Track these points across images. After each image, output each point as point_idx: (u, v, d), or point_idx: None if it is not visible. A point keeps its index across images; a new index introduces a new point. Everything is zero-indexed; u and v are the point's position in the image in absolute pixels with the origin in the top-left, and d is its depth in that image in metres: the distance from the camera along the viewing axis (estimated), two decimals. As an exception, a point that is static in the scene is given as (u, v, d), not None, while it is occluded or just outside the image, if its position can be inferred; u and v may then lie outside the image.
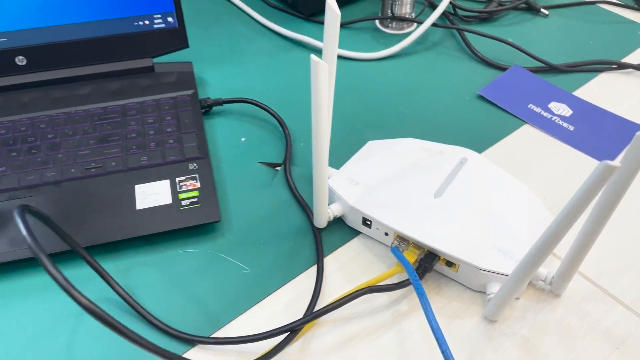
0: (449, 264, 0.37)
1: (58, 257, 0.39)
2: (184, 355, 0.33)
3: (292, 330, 0.34)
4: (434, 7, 0.64)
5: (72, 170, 0.44)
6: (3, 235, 0.39)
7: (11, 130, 0.47)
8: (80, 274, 0.39)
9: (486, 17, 0.64)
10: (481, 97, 0.54)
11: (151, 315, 0.36)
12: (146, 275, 0.39)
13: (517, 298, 0.38)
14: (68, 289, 0.27)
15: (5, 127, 0.47)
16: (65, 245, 0.39)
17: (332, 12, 0.35)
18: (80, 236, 0.39)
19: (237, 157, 0.47)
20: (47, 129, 0.47)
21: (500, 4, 0.65)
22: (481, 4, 0.66)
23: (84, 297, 0.27)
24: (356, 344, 0.35)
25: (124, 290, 0.36)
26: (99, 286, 0.38)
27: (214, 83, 0.55)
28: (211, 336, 0.35)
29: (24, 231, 0.28)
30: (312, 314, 0.35)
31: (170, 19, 0.52)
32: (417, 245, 0.38)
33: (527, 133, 0.50)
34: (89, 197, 0.42)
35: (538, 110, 0.52)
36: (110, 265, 0.39)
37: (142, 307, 0.36)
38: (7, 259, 0.38)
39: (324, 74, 0.32)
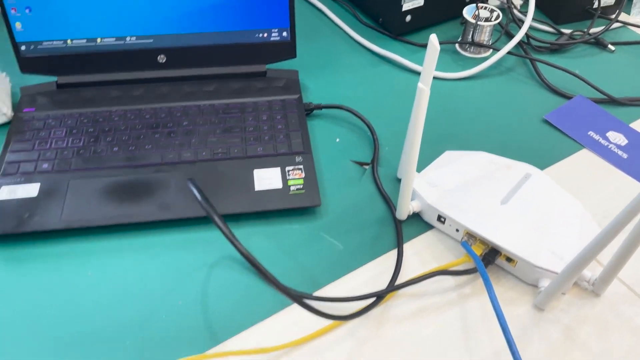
0: (509, 259, 0.45)
1: (191, 221, 0.50)
2: (289, 308, 0.43)
3: (378, 296, 0.43)
4: (509, 36, 0.72)
5: (203, 153, 0.54)
6: (153, 201, 0.50)
7: (154, 116, 0.58)
8: (211, 236, 0.49)
9: (557, 49, 0.70)
10: (546, 122, 0.61)
11: (268, 272, 0.46)
12: (261, 243, 0.48)
13: (563, 293, 0.45)
14: (233, 240, 0.37)
15: (149, 113, 0.58)
16: (200, 212, 0.49)
17: (433, 46, 0.43)
18: (217, 206, 0.49)
19: (332, 155, 0.57)
20: (182, 117, 0.58)
21: (571, 38, 0.71)
22: (553, 36, 0.73)
23: (242, 247, 0.37)
24: (426, 315, 0.44)
25: (248, 252, 0.46)
26: (227, 247, 0.48)
27: (314, 89, 0.64)
28: (313, 294, 0.44)
29: (199, 196, 0.39)
30: (394, 287, 0.44)
31: (284, 34, 0.61)
32: (483, 242, 0.46)
33: (584, 157, 0.57)
34: (217, 176, 0.52)
35: (597, 137, 0.59)
36: (233, 232, 0.49)
37: (261, 266, 0.46)
38: (156, 217, 0.48)
39: (425, 98, 0.40)
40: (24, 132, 0.55)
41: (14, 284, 0.45)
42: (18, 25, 0.57)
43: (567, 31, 0.73)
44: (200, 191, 0.39)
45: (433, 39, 0.43)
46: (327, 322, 0.43)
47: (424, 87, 0.40)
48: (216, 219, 0.38)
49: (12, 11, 0.56)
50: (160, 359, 0.40)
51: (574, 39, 0.71)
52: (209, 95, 0.60)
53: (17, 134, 0.55)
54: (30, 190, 0.50)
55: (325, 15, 0.76)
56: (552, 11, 0.76)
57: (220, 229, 0.38)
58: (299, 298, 0.39)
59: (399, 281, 0.46)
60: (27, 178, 0.51)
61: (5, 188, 0.50)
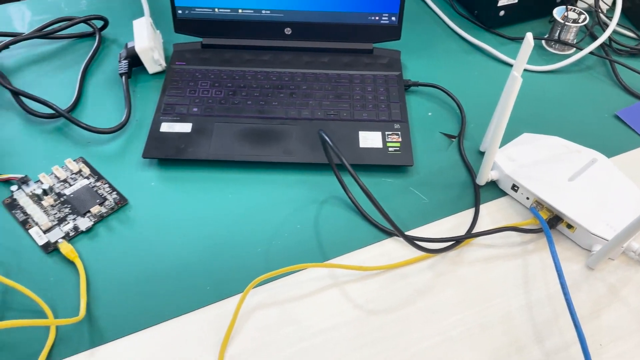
0: (569, 226, 0.55)
1: (308, 165, 0.61)
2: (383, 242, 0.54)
3: (457, 240, 0.54)
4: (593, 37, 0.78)
5: (319, 113, 0.65)
6: (278, 146, 0.62)
7: (279, 79, 0.69)
8: (322, 179, 0.60)
9: (636, 53, 0.77)
10: (617, 117, 0.68)
11: (367, 212, 0.57)
12: (357, 188, 0.59)
13: (611, 259, 0.54)
14: (357, 179, 0.48)
15: (275, 75, 0.70)
16: (315, 158, 0.60)
17: (528, 42, 0.52)
18: (324, 157, 0.61)
19: (424, 126, 0.67)
20: (301, 82, 0.69)
21: (652, 44, 0.77)
22: (634, 42, 0.79)
23: (364, 184, 0.48)
24: (493, 261, 0.54)
25: (367, 188, 0.58)
26: (335, 189, 0.59)
27: (412, 69, 0.74)
28: (408, 232, 0.55)
29: (330, 142, 0.50)
30: (470, 234, 0.54)
31: (393, 18, 0.71)
32: (549, 209, 0.55)
33: (648, 151, 0.65)
34: (330, 133, 0.63)
35: (662, 136, 0.66)
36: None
37: (376, 201, 0.57)
38: (281, 160, 0.60)
39: (517, 86, 0.50)
40: (177, 81, 0.68)
41: (172, 197, 0.58)
42: (179, -7, 0.70)
43: (649, 37, 0.79)
44: (331, 140, 0.50)
45: (529, 37, 0.51)
46: (413, 255, 0.54)
47: (517, 76, 0.49)
48: (344, 161, 0.49)
49: (177, -19, 0.69)
50: (283, 264, 0.53)
51: (654, 45, 0.78)
52: (324, 66, 0.71)
53: (172, 82, 0.68)
54: (185, 127, 0.63)
55: (426, 3, 0.85)
56: (636, 18, 0.81)
57: (348, 171, 0.49)
58: (401, 232, 0.50)
59: (474, 231, 0.56)
60: (182, 118, 0.64)
61: (165, 124, 0.63)
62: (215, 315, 0.49)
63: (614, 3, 0.83)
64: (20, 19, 0.78)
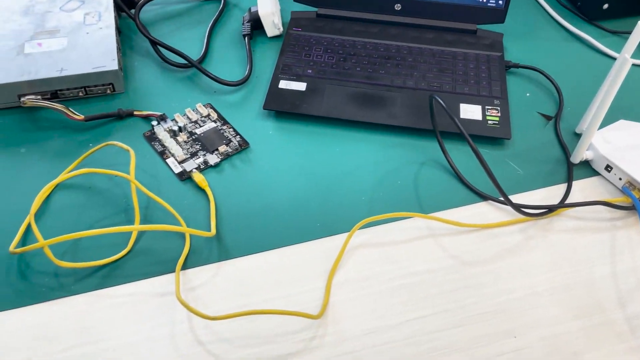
0: (660, 207, 0.57)
1: (410, 130, 0.66)
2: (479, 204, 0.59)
3: (550, 208, 0.57)
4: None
5: (422, 84, 0.70)
6: (384, 110, 0.67)
7: (386, 50, 0.75)
8: (422, 143, 0.65)
9: None
10: None
11: (463, 176, 0.62)
12: (461, 157, 0.64)
13: (700, 243, 0.56)
14: (470, 141, 0.53)
15: (383, 47, 0.75)
16: (416, 123, 0.65)
17: (639, 29, 0.55)
18: (426, 123, 0.66)
19: (522, 105, 0.70)
20: (407, 55, 0.74)
21: None
22: None
23: (474, 145, 0.53)
24: (582, 232, 0.58)
25: (450, 159, 0.63)
26: (433, 152, 0.64)
27: (512, 51, 0.78)
28: (498, 198, 0.59)
29: (444, 106, 0.55)
30: (562, 204, 0.58)
31: (500, 2, 0.75)
32: (641, 190, 0.58)
33: None
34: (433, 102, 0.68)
35: None
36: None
37: (455, 167, 0.62)
38: (386, 122, 0.66)
39: (626, 68, 0.53)
40: (294, 45, 0.75)
41: (287, 145, 0.65)
42: (302, -35, 0.76)
43: None
44: (443, 106, 0.55)
45: (641, 24, 0.54)
46: (505, 219, 0.58)
47: (628, 57, 0.52)
48: (458, 123, 0.54)
49: (302, -47, 0.75)
50: (384, 212, 0.58)
51: None
52: (429, 42, 0.76)
53: (289, 46, 0.75)
54: (300, 86, 0.70)
55: (528, -8, 0.88)
56: None
57: (462, 132, 0.55)
58: (502, 190, 0.54)
59: (567, 202, 0.60)
60: (297, 78, 0.71)
61: (283, 81, 0.70)
62: (324, 248, 0.56)
63: None
64: (155, -20, 0.88)
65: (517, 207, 0.56)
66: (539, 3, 0.86)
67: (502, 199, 0.60)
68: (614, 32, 0.81)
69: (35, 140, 0.63)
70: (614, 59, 0.77)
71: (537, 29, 0.82)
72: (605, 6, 0.81)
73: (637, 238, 0.57)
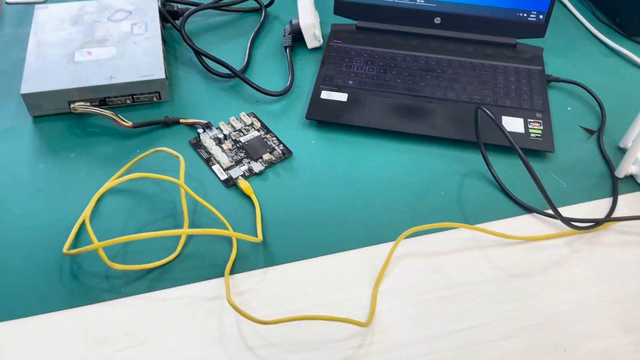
0: None
1: (451, 141, 0.67)
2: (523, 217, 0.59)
3: (597, 222, 0.57)
4: None
5: (463, 96, 0.71)
6: (425, 121, 0.67)
7: (426, 62, 0.75)
8: (464, 155, 0.65)
9: None
10: None
11: (507, 188, 0.61)
12: (503, 168, 0.64)
13: None
14: (521, 154, 0.53)
15: (422, 59, 0.76)
16: (458, 135, 0.66)
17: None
18: (468, 135, 0.66)
19: (563, 119, 0.70)
20: (447, 67, 0.74)
21: None
22: None
23: (525, 157, 0.53)
24: (629, 247, 0.57)
25: (494, 170, 0.63)
26: (477, 164, 0.64)
27: (551, 65, 0.78)
28: (544, 210, 0.59)
29: (493, 118, 0.55)
30: (609, 218, 0.57)
31: (541, 17, 0.75)
32: (690, 205, 0.57)
33: None
34: (471, 115, 0.68)
35: None
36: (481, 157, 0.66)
37: (500, 180, 0.62)
38: (428, 133, 0.66)
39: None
40: (334, 57, 0.76)
41: (329, 154, 0.65)
42: (344, -22, 0.77)
43: None
44: (493, 119, 0.55)
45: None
46: (551, 231, 0.58)
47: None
48: (508, 135, 0.54)
49: (344, -33, 0.76)
50: (428, 222, 0.58)
51: None
52: (468, 55, 0.76)
53: (330, 57, 0.76)
54: (341, 97, 0.70)
55: (565, 6, 0.88)
56: None
57: (512, 144, 0.55)
58: (551, 202, 0.54)
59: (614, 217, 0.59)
60: (338, 88, 0.71)
61: (324, 92, 0.71)
62: (369, 256, 0.56)
63: None
64: (197, -8, 0.90)
65: (566, 220, 0.56)
66: (577, 18, 0.86)
67: (546, 211, 0.60)
68: (654, 48, 0.81)
69: (85, 146, 0.65)
70: (655, 74, 0.77)
71: (576, 44, 0.82)
72: (645, 22, 0.81)
73: (686, 254, 0.56)
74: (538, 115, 0.69)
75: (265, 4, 0.85)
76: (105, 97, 0.67)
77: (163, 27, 0.79)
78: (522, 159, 0.55)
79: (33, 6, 0.85)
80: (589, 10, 0.88)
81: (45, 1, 0.86)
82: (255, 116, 0.69)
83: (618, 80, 0.76)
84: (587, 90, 0.73)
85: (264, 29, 0.83)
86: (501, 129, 0.56)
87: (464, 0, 0.76)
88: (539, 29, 0.76)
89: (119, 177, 0.60)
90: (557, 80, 0.74)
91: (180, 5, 0.82)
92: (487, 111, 0.56)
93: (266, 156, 0.64)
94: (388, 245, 0.57)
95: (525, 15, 0.76)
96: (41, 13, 0.76)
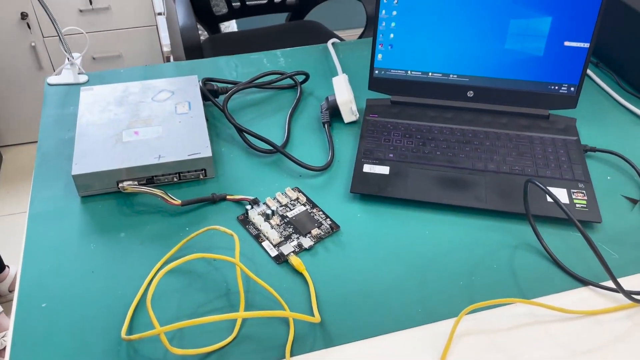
0: None
1: (497, 212, 0.67)
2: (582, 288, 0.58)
3: (657, 294, 0.56)
4: None
5: (504, 167, 0.72)
6: (470, 193, 0.68)
7: (463, 135, 0.77)
8: (511, 226, 0.65)
9: None
10: None
11: (561, 261, 0.61)
12: (553, 239, 0.64)
13: None
14: (583, 231, 0.53)
15: (459, 131, 0.77)
16: (504, 206, 0.66)
17: None
18: (514, 206, 0.66)
19: (605, 188, 0.71)
20: (484, 139, 0.76)
21: None
22: None
23: (584, 230, 0.53)
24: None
25: (545, 243, 0.62)
26: (526, 235, 0.64)
27: (584, 134, 0.79)
28: (600, 283, 0.59)
29: (547, 191, 0.55)
30: (668, 291, 0.57)
31: (572, 89, 0.77)
32: None
33: None
34: (515, 186, 0.69)
35: None
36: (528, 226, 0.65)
37: (552, 253, 0.62)
38: (474, 205, 0.67)
39: None
40: (372, 131, 0.78)
41: (376, 228, 0.65)
42: (379, 56, 0.80)
43: None
44: (549, 192, 0.56)
45: None
46: (610, 305, 0.57)
47: None
48: (565, 208, 0.55)
49: (379, 47, 0.80)
50: (484, 297, 0.58)
51: None
52: (503, 126, 0.78)
53: (368, 131, 0.77)
54: (383, 169, 0.71)
55: (590, 77, 0.91)
56: None
57: (571, 220, 0.55)
58: (616, 280, 0.54)
59: (667, 290, 0.59)
60: (380, 162, 0.73)
61: (366, 165, 0.72)
62: (429, 334, 0.55)
63: None
64: (233, 69, 0.93)
65: (627, 293, 0.55)
66: (602, 89, 0.89)
67: (603, 283, 0.59)
68: (682, 116, 0.83)
69: (135, 225, 0.65)
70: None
71: (606, 114, 0.84)
72: (671, 91, 0.83)
73: None
74: (580, 185, 0.69)
75: (300, 81, 0.88)
76: (153, 175, 0.68)
77: (204, 105, 0.82)
78: (580, 230, 0.55)
79: (75, 87, 0.88)
80: (613, 81, 0.91)
81: (87, 82, 0.89)
82: (300, 191, 0.70)
83: (652, 149, 0.77)
84: (624, 160, 0.74)
85: (301, 104, 0.85)
86: (556, 201, 0.56)
87: (496, 74, 0.79)
88: (570, 101, 0.78)
89: (173, 258, 0.60)
90: (594, 150, 0.75)
91: (219, 84, 0.85)
92: (539, 184, 0.57)
93: (314, 231, 0.64)
94: (447, 323, 0.56)
95: (556, 87, 0.78)
96: (87, 94, 0.79)
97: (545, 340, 0.54)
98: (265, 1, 1.55)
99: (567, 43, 0.75)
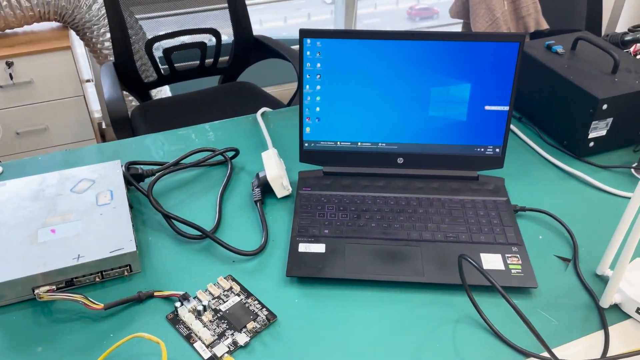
0: (703, 350, 0.57)
1: (438, 285, 0.66)
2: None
3: (597, 363, 0.56)
4: (680, 164, 0.85)
5: (439, 236, 0.71)
6: (407, 266, 0.67)
7: (396, 203, 0.76)
8: (453, 299, 0.65)
9: None
10: None
11: (502, 334, 0.60)
12: (492, 309, 0.63)
13: None
14: (514, 305, 0.52)
15: (392, 200, 0.77)
16: (444, 279, 0.65)
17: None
18: (452, 277, 0.66)
19: (537, 249, 0.72)
20: (417, 206, 0.76)
21: None
22: None
23: (519, 309, 0.52)
24: (631, 384, 0.56)
25: (484, 315, 0.62)
26: (467, 308, 0.63)
27: (513, 193, 0.81)
28: (540, 354, 0.58)
29: (479, 268, 0.55)
30: (607, 358, 0.57)
31: (497, 150, 0.79)
32: (680, 333, 0.58)
33: None
34: (452, 255, 0.69)
35: None
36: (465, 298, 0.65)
37: (493, 326, 0.61)
38: (414, 279, 0.65)
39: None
40: (306, 206, 0.76)
41: (315, 313, 0.63)
42: (307, 129, 0.80)
43: None
44: (476, 264, 0.55)
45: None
46: (552, 377, 0.56)
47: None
48: (497, 285, 0.54)
49: (307, 120, 0.79)
50: (429, 383, 0.56)
51: None
52: (435, 191, 0.78)
53: (302, 207, 0.76)
54: (319, 248, 0.69)
55: (515, 133, 0.94)
56: None
57: (503, 296, 0.54)
58: (552, 353, 0.53)
59: (609, 355, 0.59)
60: (315, 239, 0.71)
61: (302, 244, 0.70)
62: None
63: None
64: (160, 147, 0.90)
65: (567, 367, 0.55)
66: (529, 145, 0.92)
67: (543, 354, 0.58)
68: (604, 167, 0.86)
69: (53, 336, 0.59)
70: (610, 194, 0.81)
71: (531, 170, 0.86)
72: (592, 144, 0.86)
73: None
74: (514, 249, 0.70)
75: (230, 156, 0.86)
76: (73, 277, 0.64)
77: (128, 190, 0.78)
78: (511, 305, 0.54)
79: (-12, 178, 0.82)
80: (536, 135, 0.94)
81: (1, 173, 0.83)
82: (233, 279, 0.67)
83: (578, 204, 0.79)
84: (554, 218, 0.76)
85: (232, 181, 0.83)
86: (487, 277, 0.55)
87: (424, 140, 0.79)
88: (497, 161, 0.80)
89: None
90: (524, 209, 0.76)
91: (144, 167, 0.81)
92: (471, 260, 0.56)
93: (250, 325, 0.61)
94: (392, 416, 0.53)
95: (482, 149, 0.80)
96: (0, 190, 0.73)
97: None
98: (196, 65, 1.54)
99: (487, 107, 0.77)
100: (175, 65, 1.51)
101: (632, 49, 1.01)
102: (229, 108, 1.50)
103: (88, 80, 1.94)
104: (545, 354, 0.58)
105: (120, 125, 1.24)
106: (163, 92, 1.88)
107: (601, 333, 0.61)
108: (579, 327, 0.62)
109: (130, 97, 1.84)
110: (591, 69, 0.89)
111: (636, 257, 0.69)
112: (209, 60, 1.55)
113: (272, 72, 2.41)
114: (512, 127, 0.95)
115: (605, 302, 0.63)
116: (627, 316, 0.63)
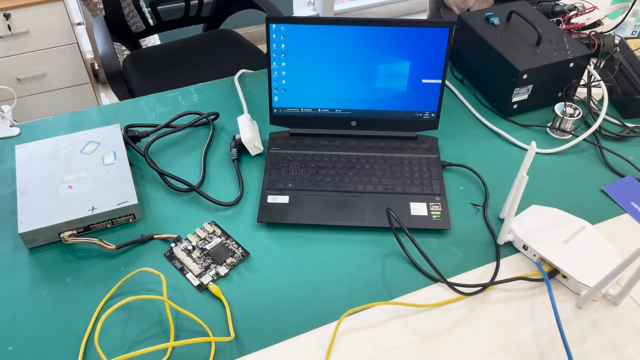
0: (564, 276, 0.77)
1: (375, 228, 0.84)
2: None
3: (484, 286, 0.76)
4: (588, 125, 1.01)
5: (380, 188, 0.89)
6: (354, 213, 0.85)
7: (348, 161, 0.93)
8: (385, 239, 0.83)
9: (620, 139, 0.99)
10: (603, 192, 0.91)
11: (419, 265, 0.80)
12: (412, 246, 0.82)
13: (594, 300, 0.76)
14: (415, 242, 0.71)
15: (345, 158, 0.94)
16: (379, 223, 0.84)
17: (533, 149, 0.75)
18: (386, 222, 0.84)
19: (457, 197, 0.90)
20: (365, 163, 0.93)
21: (632, 131, 1.00)
22: (619, 128, 1.01)
23: (418, 243, 0.71)
24: (510, 302, 0.76)
25: (407, 250, 0.81)
26: (395, 245, 0.82)
27: (447, 151, 0.98)
28: (448, 279, 0.78)
29: (396, 218, 0.73)
30: (493, 282, 0.77)
31: (432, 115, 0.95)
32: (550, 264, 0.77)
33: (625, 219, 0.87)
34: (389, 203, 0.87)
35: (636, 206, 0.88)
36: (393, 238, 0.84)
37: (415, 261, 0.80)
38: (357, 224, 0.84)
39: (524, 183, 0.72)
40: (275, 163, 0.93)
41: (279, 251, 0.82)
42: (275, 98, 0.95)
43: (630, 125, 1.01)
44: (395, 216, 0.73)
45: (533, 145, 0.75)
46: (453, 297, 0.76)
47: (525, 175, 0.72)
48: (406, 229, 0.72)
49: (275, 90, 0.94)
50: (362, 301, 0.75)
51: (635, 132, 1.00)
52: (380, 150, 0.95)
53: (271, 164, 0.93)
54: (284, 199, 0.87)
55: (456, 96, 1.09)
56: (621, 108, 1.04)
57: (408, 235, 0.72)
58: (445, 279, 0.72)
59: (496, 279, 0.78)
60: (281, 192, 0.88)
61: (270, 196, 0.88)
62: (319, 336, 0.72)
63: (603, 96, 1.06)
64: (152, 109, 1.05)
65: (458, 290, 0.75)
66: (465, 106, 1.08)
67: (449, 280, 0.78)
68: (524, 126, 1.02)
69: (78, 270, 0.78)
70: (525, 149, 0.98)
71: (465, 129, 1.03)
72: (515, 106, 1.02)
73: (548, 302, 0.76)
74: (437, 198, 0.88)
75: (212, 119, 1.01)
76: (89, 224, 0.81)
77: (127, 149, 0.94)
78: (413, 242, 0.73)
79: (8, 140, 0.97)
80: (473, 96, 1.09)
81: (19, 134, 0.98)
82: (216, 224, 0.85)
83: (497, 158, 0.97)
84: (472, 171, 0.93)
85: (214, 141, 0.99)
86: (402, 226, 0.74)
87: (372, 107, 0.95)
88: (432, 124, 0.96)
89: (114, 296, 0.74)
90: (450, 164, 0.94)
91: (140, 129, 0.97)
92: (393, 214, 0.75)
93: (229, 260, 0.80)
94: (332, 326, 0.73)
95: (420, 115, 0.96)
96: (22, 152, 0.89)
97: (404, 330, 0.73)
98: (180, 16, 1.63)
99: (424, 80, 0.93)
100: (160, 14, 1.61)
101: (563, 18, 1.14)
102: (214, 53, 1.62)
103: (79, 24, 2.02)
104: (451, 280, 0.78)
105: (114, 77, 1.37)
106: (153, 40, 1.97)
107: (495, 264, 0.81)
108: (479, 259, 0.82)
109: (123, 48, 1.94)
110: (519, 41, 1.03)
111: (532, 204, 0.87)
112: (193, 3, 1.64)
113: (252, 18, 2.48)
114: (452, 88, 1.10)
115: (500, 240, 0.83)
116: (517, 251, 0.83)
